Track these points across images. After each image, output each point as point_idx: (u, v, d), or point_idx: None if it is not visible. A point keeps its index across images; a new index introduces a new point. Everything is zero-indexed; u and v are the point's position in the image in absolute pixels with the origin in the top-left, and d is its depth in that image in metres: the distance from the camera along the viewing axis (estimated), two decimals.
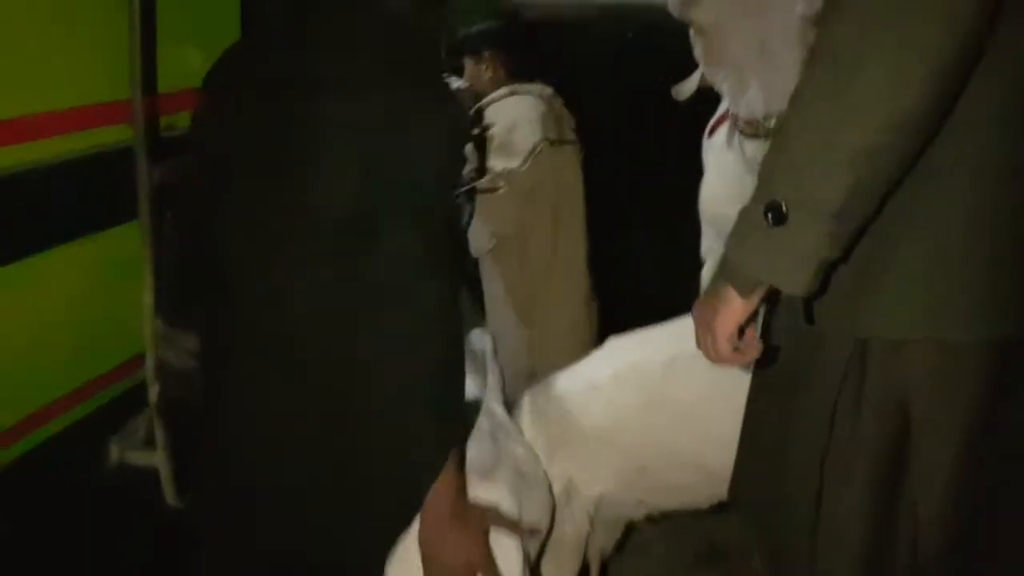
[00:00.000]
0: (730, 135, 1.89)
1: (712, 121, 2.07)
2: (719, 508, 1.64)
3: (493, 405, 1.49)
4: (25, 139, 1.62)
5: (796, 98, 0.92)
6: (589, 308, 2.52)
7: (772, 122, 1.78)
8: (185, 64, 1.89)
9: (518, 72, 2.42)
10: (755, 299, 1.00)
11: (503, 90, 2.40)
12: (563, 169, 2.43)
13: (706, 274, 2.17)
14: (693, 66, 1.81)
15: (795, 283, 0.94)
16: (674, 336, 1.69)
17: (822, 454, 1.05)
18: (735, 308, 1.00)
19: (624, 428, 1.60)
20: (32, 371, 1.66)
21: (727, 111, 1.92)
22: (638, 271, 2.95)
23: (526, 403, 1.65)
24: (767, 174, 0.95)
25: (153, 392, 1.53)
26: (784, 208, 0.91)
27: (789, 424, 1.09)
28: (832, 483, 1.04)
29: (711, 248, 2.15)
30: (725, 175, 1.98)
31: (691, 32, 1.78)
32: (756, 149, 1.81)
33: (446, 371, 1.14)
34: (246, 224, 1.17)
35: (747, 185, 1.96)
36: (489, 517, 1.25)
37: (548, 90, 2.46)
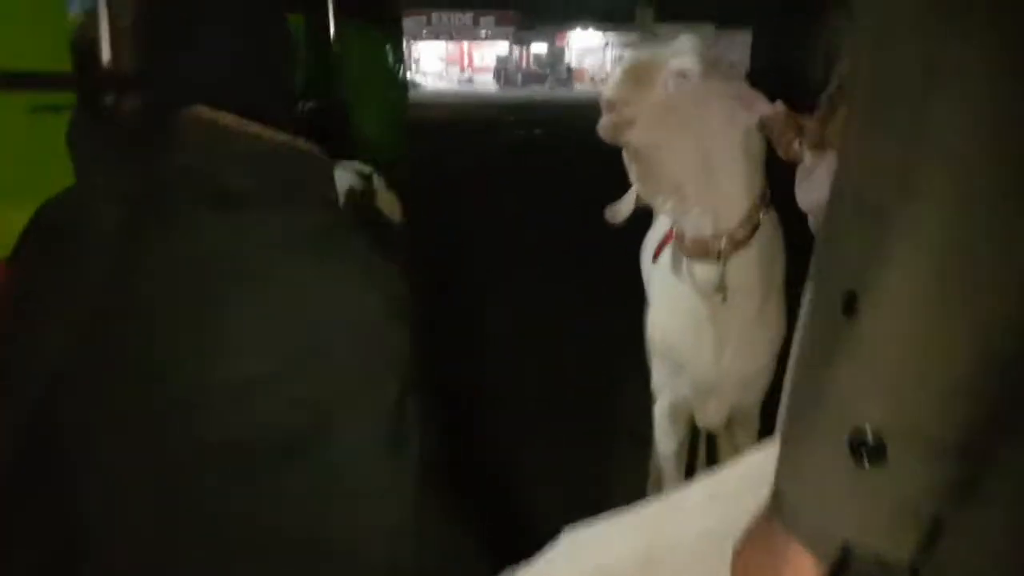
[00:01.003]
0: (676, 259, 1.69)
1: (653, 243, 1.88)
2: None
3: None
4: None
5: (878, 287, 0.65)
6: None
7: (723, 242, 1.62)
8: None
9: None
10: (832, 560, 0.72)
11: None
12: None
13: (659, 412, 1.96)
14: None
15: (900, 545, 0.67)
16: (643, 525, 1.40)
17: None
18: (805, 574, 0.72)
19: None
20: None
21: (670, 231, 1.74)
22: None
23: None
24: (844, 392, 0.67)
25: None
26: (875, 439, 0.65)
27: None
28: None
29: (664, 384, 1.94)
30: (676, 304, 1.77)
31: (624, 155, 1.62)
32: (708, 273, 1.63)
33: None
34: (93, 447, 0.85)
35: (701, 314, 1.79)
36: None
37: (367, 169, 2.33)
